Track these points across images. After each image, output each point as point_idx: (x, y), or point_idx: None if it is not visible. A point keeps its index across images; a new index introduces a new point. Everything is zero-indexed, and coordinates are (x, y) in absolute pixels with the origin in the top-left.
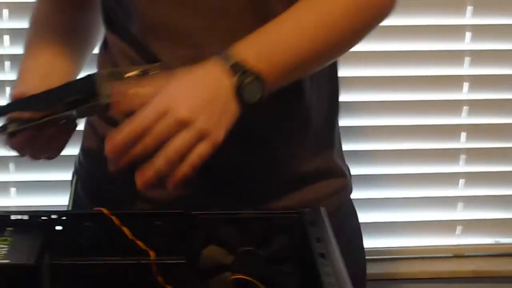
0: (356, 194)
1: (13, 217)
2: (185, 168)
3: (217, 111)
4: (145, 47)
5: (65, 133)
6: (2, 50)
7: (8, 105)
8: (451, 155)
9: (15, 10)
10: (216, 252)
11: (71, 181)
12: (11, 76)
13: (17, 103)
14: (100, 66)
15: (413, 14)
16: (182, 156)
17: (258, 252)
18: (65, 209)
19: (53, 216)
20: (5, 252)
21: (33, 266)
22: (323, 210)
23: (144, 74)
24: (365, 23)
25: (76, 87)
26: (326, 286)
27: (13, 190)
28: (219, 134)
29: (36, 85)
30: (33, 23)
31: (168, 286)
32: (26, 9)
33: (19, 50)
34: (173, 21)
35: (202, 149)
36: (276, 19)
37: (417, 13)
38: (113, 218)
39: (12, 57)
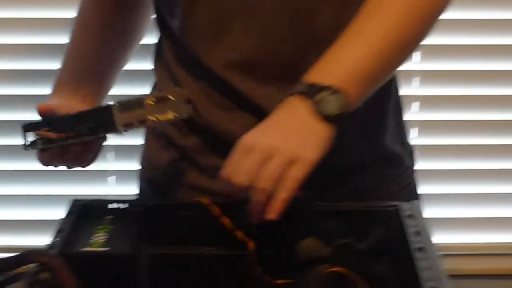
0: (437, 189)
1: (112, 205)
2: (283, 194)
3: (301, 134)
4: (190, 51)
5: (94, 147)
6: None
7: (35, 123)
8: None
9: None
10: (313, 244)
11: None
12: None
13: (43, 122)
14: (156, 72)
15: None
16: (275, 183)
17: (355, 245)
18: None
19: (152, 205)
20: (104, 240)
21: (131, 255)
22: (419, 203)
23: (162, 100)
24: (427, 20)
25: (95, 115)
26: (424, 281)
27: (112, 178)
28: (309, 155)
29: (69, 96)
30: (76, 19)
31: (265, 277)
32: None
33: None
34: (210, 25)
35: (295, 172)
36: (340, 39)
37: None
38: (213, 207)
39: None
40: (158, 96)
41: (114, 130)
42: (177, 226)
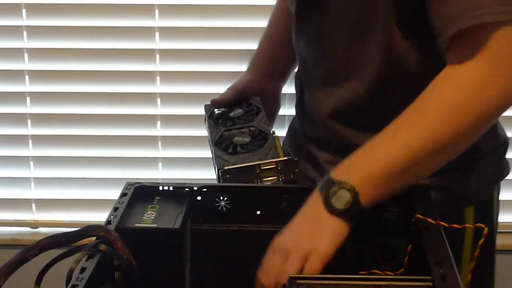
0: None
1: (160, 188)
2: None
3: (313, 229)
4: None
5: None
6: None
7: (209, 110)
8: None
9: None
10: None
11: None
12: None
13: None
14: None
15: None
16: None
17: (371, 223)
18: (204, 182)
19: (195, 188)
20: (153, 217)
21: (178, 230)
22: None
23: (272, 169)
24: (472, 123)
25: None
26: (429, 254)
27: (160, 164)
28: (320, 247)
29: (262, 71)
30: (272, 16)
31: None
32: None
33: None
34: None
35: (310, 266)
36: (373, 138)
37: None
38: None
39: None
40: (268, 167)
41: None
42: (217, 206)
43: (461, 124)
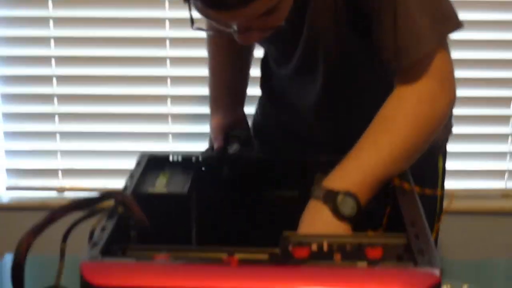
0: None
1: (170, 158)
2: None
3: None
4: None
5: None
6: None
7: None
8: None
9: None
10: (323, 176)
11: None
12: None
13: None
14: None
15: None
16: None
17: None
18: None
19: (201, 159)
20: (165, 184)
21: (186, 195)
22: None
23: None
24: (432, 126)
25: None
26: (404, 215)
27: (170, 138)
28: None
29: (226, 109)
30: (210, 56)
31: None
32: None
33: None
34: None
35: None
36: (356, 147)
37: None
38: None
39: None
40: None
41: None
42: (220, 175)
43: (424, 130)
